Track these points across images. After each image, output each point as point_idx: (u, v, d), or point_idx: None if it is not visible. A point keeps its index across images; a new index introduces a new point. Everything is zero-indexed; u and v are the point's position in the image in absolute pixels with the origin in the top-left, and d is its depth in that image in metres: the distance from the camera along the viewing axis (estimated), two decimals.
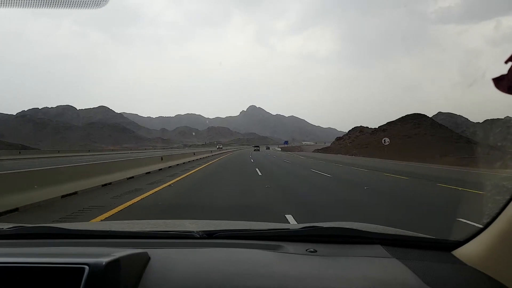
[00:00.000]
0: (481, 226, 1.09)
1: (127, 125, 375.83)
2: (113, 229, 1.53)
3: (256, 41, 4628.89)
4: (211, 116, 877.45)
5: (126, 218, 5.72)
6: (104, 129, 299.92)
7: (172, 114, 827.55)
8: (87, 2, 1.64)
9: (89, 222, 5.21)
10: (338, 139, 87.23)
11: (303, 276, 1.00)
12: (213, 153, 41.67)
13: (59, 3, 1.62)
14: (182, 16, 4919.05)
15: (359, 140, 74.25)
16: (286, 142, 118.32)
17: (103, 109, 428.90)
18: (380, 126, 77.87)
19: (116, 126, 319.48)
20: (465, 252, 1.15)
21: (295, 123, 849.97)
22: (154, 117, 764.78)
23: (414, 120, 73.63)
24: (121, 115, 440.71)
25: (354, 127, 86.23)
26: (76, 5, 1.64)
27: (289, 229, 1.46)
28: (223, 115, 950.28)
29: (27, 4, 1.60)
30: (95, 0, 1.63)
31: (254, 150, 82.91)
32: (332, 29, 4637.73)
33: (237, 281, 0.96)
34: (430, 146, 49.73)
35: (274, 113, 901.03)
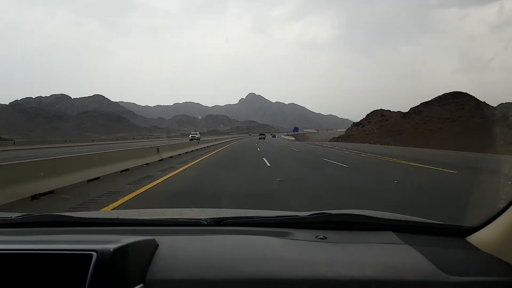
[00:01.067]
0: (497, 211, 1.07)
1: (123, 114, 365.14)
2: (120, 217, 1.53)
3: (255, 29, 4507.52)
4: (210, 105, 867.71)
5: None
6: (98, 118, 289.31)
7: (170, 103, 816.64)
8: None
9: (97, 211, 4.96)
10: (356, 125, 75.24)
11: (313, 262, 0.99)
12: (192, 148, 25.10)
13: None
14: (179, 4, 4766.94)
15: (388, 125, 61.91)
16: (296, 129, 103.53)
17: (98, 98, 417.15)
18: (413, 108, 65.23)
19: (111, 115, 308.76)
20: (480, 237, 1.12)
21: (296, 110, 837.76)
22: (152, 106, 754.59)
23: (455, 100, 61.34)
24: (117, 103, 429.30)
25: (373, 111, 74.31)
26: None
27: (298, 216, 1.42)
28: (222, 103, 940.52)
29: None
30: None
31: (260, 138, 79.48)
32: (331, 15, 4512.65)
33: (246, 267, 0.95)
34: (482, 131, 39.11)
35: (273, 101, 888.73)
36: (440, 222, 1.37)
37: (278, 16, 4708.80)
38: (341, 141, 58.38)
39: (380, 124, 64.51)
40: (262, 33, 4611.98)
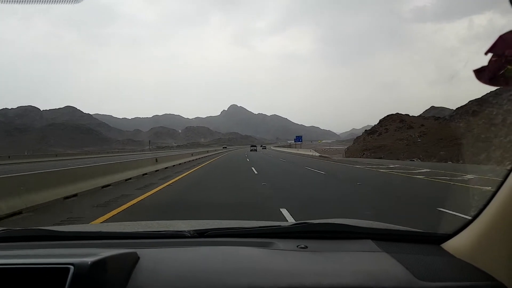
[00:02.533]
0: (469, 218, 1.09)
1: (96, 127, 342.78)
2: (102, 230, 1.51)
3: (237, 41, 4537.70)
4: (191, 116, 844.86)
5: None
6: (66, 130, 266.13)
7: (149, 115, 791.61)
8: None
9: (79, 225, 4.95)
10: (370, 133, 56.53)
11: (293, 272, 1.00)
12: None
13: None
14: (160, 15, 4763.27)
15: (433, 132, 44.62)
16: (299, 139, 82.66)
17: (69, 110, 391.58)
18: (460, 108, 49.29)
19: (80, 128, 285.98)
20: (453, 244, 1.15)
21: (278, 122, 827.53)
22: (129, 118, 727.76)
23: None
24: (89, 115, 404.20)
25: (388, 116, 57.38)
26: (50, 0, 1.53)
27: (280, 226, 1.45)
28: (203, 115, 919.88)
29: None
30: None
31: (251, 150, 74.13)
32: (311, 29, 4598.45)
33: (228, 279, 0.95)
34: None
35: (256, 112, 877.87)
36: (417, 230, 1.41)
37: (259, 28, 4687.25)
38: (370, 156, 38.96)
39: (424, 132, 46.16)
40: (244, 45, 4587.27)
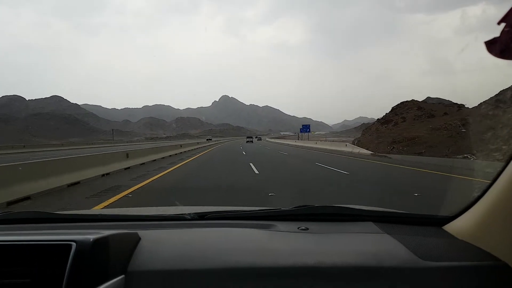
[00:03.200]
0: (471, 200, 1.10)
1: (84, 117, 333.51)
2: (104, 213, 1.52)
3: (227, 31, 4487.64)
4: (182, 107, 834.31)
5: None
6: (51, 121, 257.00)
7: (139, 105, 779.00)
8: None
9: (78, 210, 4.81)
10: (384, 122, 48.73)
11: (295, 252, 1.01)
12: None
13: None
14: (150, 4, 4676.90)
15: (479, 121, 38.08)
16: (306, 128, 60.71)
17: (56, 99, 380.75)
18: (505, 90, 42.82)
19: (66, 118, 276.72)
20: (455, 226, 1.16)
21: (270, 113, 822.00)
22: (119, 108, 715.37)
23: None
24: (77, 105, 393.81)
25: (402, 103, 48.83)
26: None
27: (281, 209, 1.44)
28: (194, 105, 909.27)
29: None
30: None
31: (247, 141, 70.01)
32: (302, 19, 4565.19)
33: (229, 257, 0.96)
34: None
35: (248, 103, 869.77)
36: (418, 213, 1.41)
37: (250, 18, 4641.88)
38: (403, 151, 26.24)
39: (423, 119, 39.30)
40: (235, 35, 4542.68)
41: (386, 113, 51.88)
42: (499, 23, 0.82)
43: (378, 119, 52.10)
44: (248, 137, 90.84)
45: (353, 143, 39.40)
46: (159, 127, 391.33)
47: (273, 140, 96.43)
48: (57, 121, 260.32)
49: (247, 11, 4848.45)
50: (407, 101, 50.02)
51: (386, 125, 45.09)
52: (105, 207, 5.81)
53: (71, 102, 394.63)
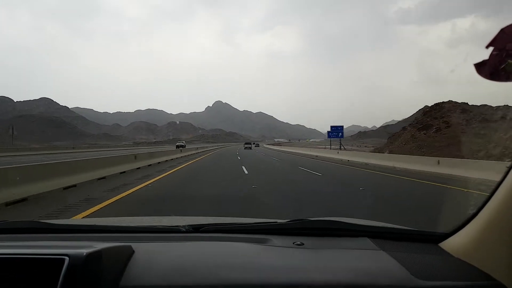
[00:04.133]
0: (467, 218, 1.08)
1: (72, 120, 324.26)
2: (97, 224, 1.51)
3: (222, 38, 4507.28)
4: (174, 112, 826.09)
5: None
6: (36, 123, 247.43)
7: (131, 109, 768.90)
8: None
9: (74, 218, 5.04)
10: (422, 128, 37.82)
11: (290, 268, 1.00)
12: None
13: None
14: (146, 10, 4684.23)
15: None
16: (338, 131, 38.56)
17: (45, 101, 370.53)
18: None
19: (53, 120, 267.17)
20: (451, 243, 1.14)
21: (264, 119, 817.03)
22: (111, 112, 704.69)
23: None
24: (66, 108, 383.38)
25: (437, 105, 40.85)
26: None
27: (276, 222, 1.44)
28: (187, 111, 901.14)
29: None
30: None
31: (245, 148, 68.19)
32: (296, 28, 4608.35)
33: (223, 274, 0.94)
34: None
35: (241, 109, 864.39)
36: (414, 229, 1.40)
37: (245, 26, 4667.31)
38: None
39: (477, 124, 32.17)
40: (230, 42, 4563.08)
41: (416, 117, 44.51)
42: (487, 47, 0.84)
43: (410, 123, 44.38)
44: (246, 143, 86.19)
45: (373, 151, 32.22)
46: (150, 132, 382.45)
47: (273, 147, 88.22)
48: (42, 124, 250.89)
49: (242, 19, 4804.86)
50: (443, 102, 42.23)
51: (425, 131, 37.24)
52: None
53: (61, 104, 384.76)
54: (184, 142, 65.61)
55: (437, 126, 36.47)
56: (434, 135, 35.42)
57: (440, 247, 1.17)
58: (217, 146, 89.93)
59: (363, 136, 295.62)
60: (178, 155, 28.63)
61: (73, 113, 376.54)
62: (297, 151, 48.10)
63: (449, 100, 42.13)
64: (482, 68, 0.86)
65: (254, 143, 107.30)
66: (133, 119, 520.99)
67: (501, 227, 0.93)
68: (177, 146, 50.31)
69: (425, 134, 36.72)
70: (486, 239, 0.98)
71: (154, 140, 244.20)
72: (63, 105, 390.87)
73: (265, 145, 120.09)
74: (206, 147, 62.07)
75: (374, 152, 33.61)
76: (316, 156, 33.31)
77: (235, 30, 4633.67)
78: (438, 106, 41.76)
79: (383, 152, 32.41)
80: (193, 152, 39.04)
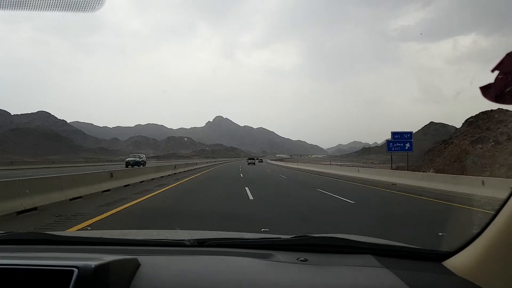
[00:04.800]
0: (471, 237, 1.08)
1: (70, 134, 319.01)
2: (104, 236, 1.53)
3: (223, 54, 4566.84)
4: (175, 127, 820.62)
5: None
6: (30, 137, 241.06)
7: (132, 124, 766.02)
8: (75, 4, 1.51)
9: (80, 230, 5.05)
10: (475, 141, 28.61)
11: (293, 285, 1.00)
12: None
13: (20, 5, 1.50)
14: (148, 26, 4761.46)
15: None
16: (405, 141, 22.85)
17: (43, 115, 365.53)
18: None
19: (48, 134, 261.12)
20: (455, 262, 1.14)
21: (264, 135, 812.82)
22: (111, 126, 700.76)
23: None
24: (64, 122, 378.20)
25: (483, 113, 34.69)
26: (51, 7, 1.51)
27: (280, 238, 1.44)
28: (187, 126, 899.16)
29: None
30: (86, 4, 1.54)
31: (248, 163, 66.41)
32: (297, 44, 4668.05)
33: None
34: None
35: (242, 124, 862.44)
36: (418, 247, 1.40)
37: (246, 42, 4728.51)
38: None
39: None
40: (230, 58, 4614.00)
41: (458, 128, 37.30)
42: (493, 71, 0.85)
43: (454, 136, 36.73)
44: (249, 159, 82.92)
45: (396, 169, 25.00)
46: (149, 147, 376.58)
47: (277, 163, 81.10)
48: (37, 137, 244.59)
49: (243, 35, 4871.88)
50: (492, 110, 34.85)
51: (480, 145, 29.99)
52: None
53: (59, 118, 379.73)
54: (141, 156, 39.15)
55: (495, 139, 29.37)
56: (493, 149, 28.24)
57: (443, 266, 1.17)
58: (215, 162, 77.13)
59: (367, 152, 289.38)
60: (186, 168, 26.53)
61: (71, 127, 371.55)
62: (304, 168, 44.15)
63: (499, 108, 34.73)
64: (487, 91, 0.87)
65: (257, 159, 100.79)
66: (133, 133, 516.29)
67: (506, 247, 0.92)
68: (127, 164, 33.70)
69: (481, 148, 29.51)
70: (491, 258, 0.97)
71: (152, 155, 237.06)
72: (61, 119, 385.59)
73: (268, 161, 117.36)
74: (195, 166, 38.37)
75: (398, 170, 26.26)
76: (334, 174, 27.23)
77: (235, 46, 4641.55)
78: (486, 115, 34.72)
79: (424, 171, 25.40)
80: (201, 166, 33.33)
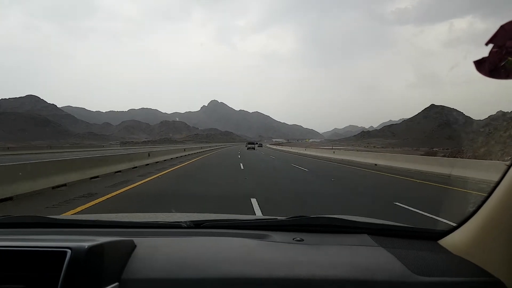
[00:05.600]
0: (467, 215, 1.09)
1: (59, 118, 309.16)
2: (100, 219, 1.53)
3: (218, 38, 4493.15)
4: (169, 111, 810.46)
5: None
6: (16, 121, 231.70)
7: (125, 108, 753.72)
8: None
9: (76, 214, 5.03)
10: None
11: (289, 263, 1.01)
12: None
13: None
14: (141, 10, 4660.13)
15: None
16: None
17: (31, 99, 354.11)
18: None
19: (36, 119, 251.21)
20: (451, 241, 1.16)
21: (260, 119, 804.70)
22: (104, 111, 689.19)
23: None
24: (53, 106, 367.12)
25: None
26: None
27: (276, 219, 1.46)
28: (182, 110, 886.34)
29: None
30: None
31: (248, 148, 63.28)
32: (293, 29, 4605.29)
33: (223, 268, 0.96)
34: None
35: (237, 109, 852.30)
36: (414, 226, 1.42)
37: (242, 27, 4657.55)
38: None
39: None
40: (227, 42, 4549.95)
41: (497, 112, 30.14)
42: (487, 44, 0.84)
43: (495, 118, 29.46)
44: (249, 143, 78.55)
45: (425, 154, 18.43)
46: (141, 131, 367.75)
47: (278, 147, 73.38)
48: (23, 122, 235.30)
49: (239, 19, 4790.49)
50: None
51: None
52: None
53: (48, 102, 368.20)
54: (254, 143, 41.00)
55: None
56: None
57: (439, 244, 1.18)
58: (209, 147, 65.58)
59: (367, 136, 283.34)
60: (174, 155, 24.55)
61: (61, 111, 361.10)
62: (308, 153, 37.38)
63: None
64: (481, 65, 0.86)
65: (257, 143, 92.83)
66: (126, 118, 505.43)
67: (501, 225, 0.94)
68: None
69: None
70: (486, 237, 0.99)
71: (145, 140, 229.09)
72: (51, 103, 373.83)
73: (268, 145, 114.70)
74: (186, 152, 32.32)
75: (425, 156, 20.61)
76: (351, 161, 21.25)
77: (231, 30, 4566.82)
78: None
79: (460, 157, 20.34)
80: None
